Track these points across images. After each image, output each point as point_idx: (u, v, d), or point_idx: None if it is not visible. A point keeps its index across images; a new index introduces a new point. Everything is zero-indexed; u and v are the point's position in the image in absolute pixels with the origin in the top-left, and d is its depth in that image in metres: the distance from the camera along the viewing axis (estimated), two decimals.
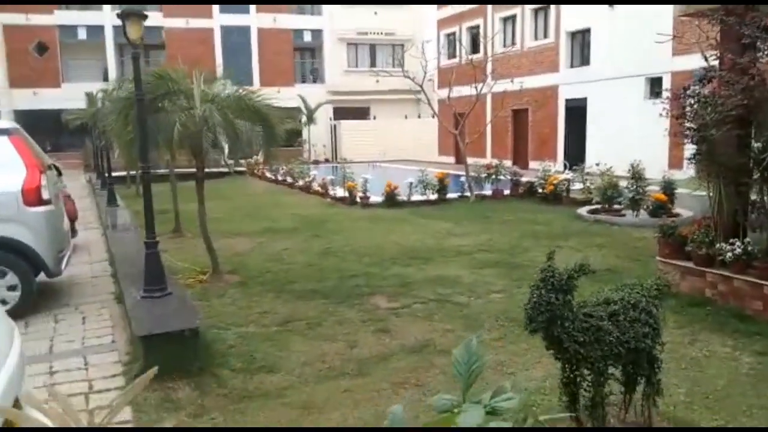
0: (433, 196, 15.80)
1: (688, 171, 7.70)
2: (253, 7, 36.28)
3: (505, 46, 26.14)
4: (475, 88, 17.11)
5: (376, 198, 15.49)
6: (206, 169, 8.46)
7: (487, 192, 16.50)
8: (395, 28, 38.46)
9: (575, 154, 22.18)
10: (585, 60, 23.50)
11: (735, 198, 6.47)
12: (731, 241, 6.33)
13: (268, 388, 4.72)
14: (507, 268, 8.38)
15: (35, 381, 4.92)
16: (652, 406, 3.91)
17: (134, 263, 7.22)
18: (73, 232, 10.45)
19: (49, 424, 1.24)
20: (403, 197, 15.50)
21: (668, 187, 12.55)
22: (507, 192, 16.42)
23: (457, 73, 19.56)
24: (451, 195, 16.09)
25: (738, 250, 6.20)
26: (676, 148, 16.53)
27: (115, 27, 30.38)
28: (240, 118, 7.82)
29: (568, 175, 16.15)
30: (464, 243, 10.25)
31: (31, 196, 6.62)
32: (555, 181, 15.26)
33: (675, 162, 17.12)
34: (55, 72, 33.41)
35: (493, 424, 1.31)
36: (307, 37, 38.32)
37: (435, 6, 33.15)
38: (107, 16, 31.85)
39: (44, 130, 28.76)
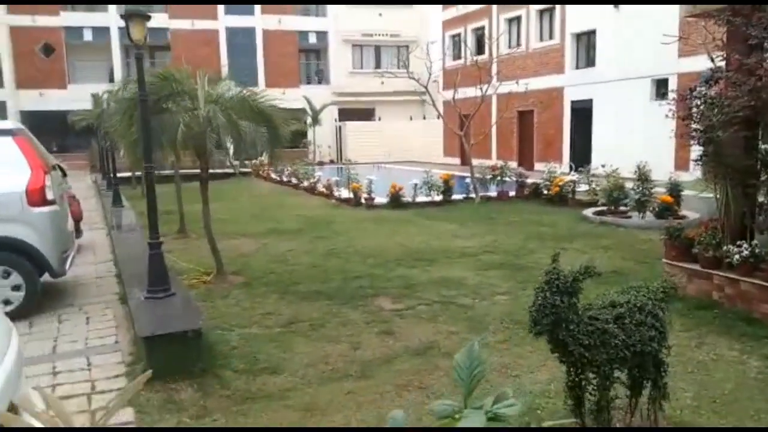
0: (438, 198, 15.78)
1: (695, 173, 7.64)
2: (258, 9, 36.33)
3: (510, 47, 26.06)
4: (480, 89, 17.07)
5: (380, 199, 15.47)
6: (211, 170, 8.46)
7: (492, 193, 16.46)
8: (400, 30, 38.45)
9: (581, 156, 22.11)
10: (590, 61, 23.43)
11: (742, 200, 6.41)
12: (738, 243, 6.28)
13: (271, 390, 4.70)
14: (512, 270, 8.34)
15: (39, 381, 4.92)
16: (659, 410, 3.87)
17: (138, 264, 7.20)
18: (78, 232, 10.47)
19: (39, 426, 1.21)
20: (407, 198, 15.48)
21: (674, 189, 12.47)
22: (512, 193, 16.37)
23: (462, 74, 19.53)
24: (456, 196, 16.06)
25: (745, 253, 6.15)
26: (682, 150, 16.44)
27: (120, 28, 30.45)
28: (244, 119, 7.81)
29: (574, 176, 16.10)
30: (469, 244, 10.21)
31: (36, 197, 6.63)
32: (560, 183, 15.20)
33: (681, 163, 17.03)
34: (61, 73, 33.55)
35: None
36: (312, 39, 38.36)
37: (440, 7, 33.12)
38: (113, 18, 31.98)
39: (50, 131, 28.93)
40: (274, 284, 7.88)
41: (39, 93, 32.41)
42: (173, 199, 11.96)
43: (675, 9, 16.91)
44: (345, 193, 16.76)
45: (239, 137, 7.83)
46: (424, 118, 37.00)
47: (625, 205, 12.57)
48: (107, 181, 18.73)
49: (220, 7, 35.57)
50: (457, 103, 18.11)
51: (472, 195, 16.04)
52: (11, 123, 7.83)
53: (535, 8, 25.82)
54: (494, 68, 19.72)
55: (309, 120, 34.19)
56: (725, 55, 6.56)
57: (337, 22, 37.76)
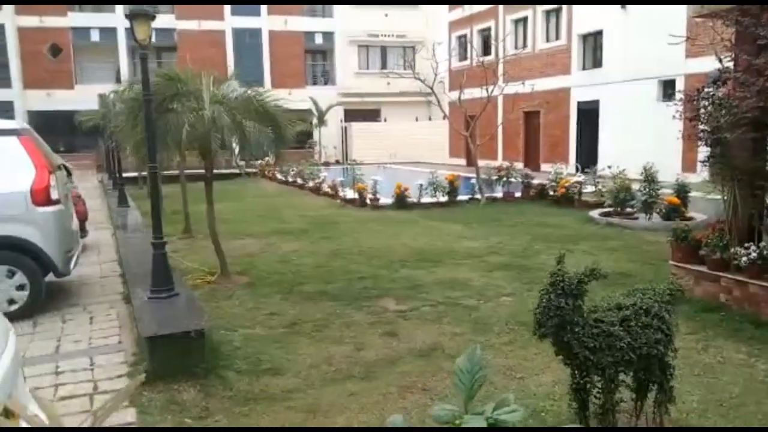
0: (444, 198, 15.74)
1: (702, 174, 7.57)
2: (264, 10, 36.39)
3: (516, 48, 26.01)
4: (486, 90, 17.03)
5: (385, 200, 15.45)
6: (217, 171, 8.45)
7: (498, 194, 16.41)
8: (406, 30, 38.43)
9: (587, 157, 22.03)
10: (597, 62, 23.34)
11: (750, 201, 6.35)
12: (746, 245, 6.22)
13: (274, 391, 4.68)
14: (517, 271, 8.29)
15: (41, 381, 4.92)
16: (664, 414, 3.83)
17: (143, 264, 7.20)
18: (84, 232, 10.49)
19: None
20: (413, 199, 15.44)
21: (681, 190, 12.40)
22: (518, 194, 16.33)
23: (468, 75, 19.47)
24: (461, 197, 16.02)
25: (753, 255, 6.09)
26: (689, 151, 16.34)
27: (127, 29, 30.39)
28: (249, 120, 7.79)
29: (580, 177, 16.03)
30: (474, 245, 10.17)
31: (40, 196, 6.63)
32: (567, 184, 15.14)
33: (688, 165, 16.92)
34: (68, 74, 33.69)
35: None
36: (319, 40, 38.39)
37: (446, 8, 33.09)
38: (120, 18, 32.01)
39: (58, 131, 29.08)
40: (279, 284, 7.86)
41: (46, 93, 32.55)
42: (180, 200, 11.96)
43: (682, 9, 16.82)
44: (350, 194, 16.73)
45: (244, 138, 7.82)
46: (430, 119, 36.95)
47: (632, 206, 12.49)
48: (113, 181, 18.80)
49: (227, 8, 35.65)
50: (463, 104, 18.07)
51: (478, 196, 15.99)
52: (16, 123, 7.84)
53: (541, 9, 25.75)
54: (500, 69, 19.67)
55: (315, 121, 34.21)
56: (733, 56, 6.50)
57: (344, 22, 37.77)
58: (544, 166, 23.19)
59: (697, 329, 5.77)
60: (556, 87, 24.72)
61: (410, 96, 34.80)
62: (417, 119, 37.26)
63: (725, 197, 6.59)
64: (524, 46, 26.61)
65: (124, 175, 16.58)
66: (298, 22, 37.39)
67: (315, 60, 40.11)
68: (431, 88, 17.73)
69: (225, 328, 6.08)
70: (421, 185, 15.78)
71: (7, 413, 1.34)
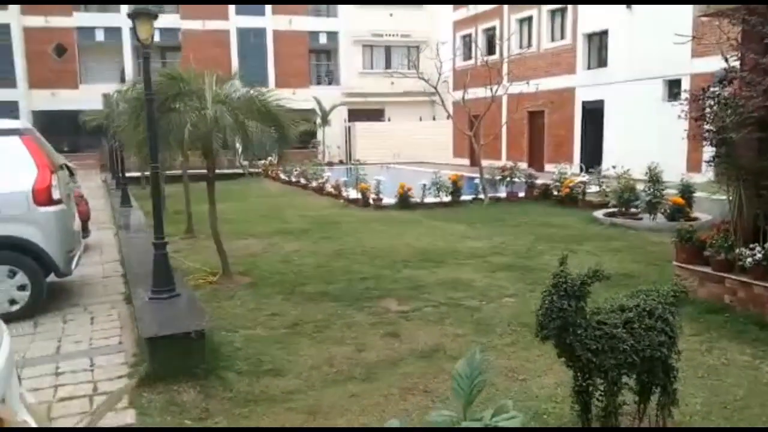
0: (447, 198, 15.71)
1: (707, 174, 7.52)
2: (268, 9, 36.41)
3: (521, 47, 25.93)
4: (491, 89, 16.98)
5: (389, 200, 15.42)
6: (220, 171, 8.43)
7: (502, 194, 16.37)
8: (410, 30, 38.39)
9: (592, 157, 21.93)
10: (602, 62, 23.27)
11: (755, 202, 6.29)
12: (751, 246, 6.16)
13: (274, 392, 4.65)
14: (521, 272, 8.25)
15: (41, 382, 4.91)
16: (667, 416, 3.79)
17: (144, 264, 7.17)
18: (86, 232, 10.49)
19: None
20: (416, 199, 15.41)
21: (686, 191, 12.33)
22: (522, 194, 16.28)
23: (472, 74, 19.44)
24: (465, 197, 15.99)
25: (758, 256, 6.04)
26: (694, 151, 16.27)
27: (132, 29, 30.62)
28: (251, 120, 7.77)
29: (584, 177, 15.96)
30: (477, 246, 10.13)
31: (42, 196, 6.62)
32: (571, 184, 15.09)
33: (693, 165, 16.84)
34: (73, 73, 33.77)
35: None
36: (323, 39, 38.39)
37: (450, 7, 33.03)
38: (125, 18, 31.92)
39: (62, 130, 29.14)
40: (280, 285, 7.84)
41: (51, 93, 32.63)
42: (183, 199, 11.95)
43: (688, 9, 16.75)
44: (353, 194, 16.72)
45: (246, 137, 7.80)
46: (434, 118, 36.90)
47: (636, 206, 12.43)
48: (116, 181, 18.82)
49: (231, 8, 35.67)
50: (467, 104, 18.02)
51: (481, 196, 15.95)
52: (18, 122, 7.83)
53: (546, 8, 25.68)
54: (505, 69, 19.61)
55: (318, 120, 34.20)
56: (740, 55, 6.45)
57: (348, 22, 37.75)
58: (548, 166, 23.13)
59: (701, 331, 5.72)
60: (560, 87, 24.64)
61: (414, 96, 34.80)
62: (421, 119, 37.23)
63: (730, 197, 6.54)
64: (529, 45, 26.53)
65: (128, 174, 16.59)
66: (302, 21, 37.39)
67: (319, 60, 40.11)
68: (435, 88, 17.70)
69: (226, 328, 6.06)
70: (425, 185, 15.75)
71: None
